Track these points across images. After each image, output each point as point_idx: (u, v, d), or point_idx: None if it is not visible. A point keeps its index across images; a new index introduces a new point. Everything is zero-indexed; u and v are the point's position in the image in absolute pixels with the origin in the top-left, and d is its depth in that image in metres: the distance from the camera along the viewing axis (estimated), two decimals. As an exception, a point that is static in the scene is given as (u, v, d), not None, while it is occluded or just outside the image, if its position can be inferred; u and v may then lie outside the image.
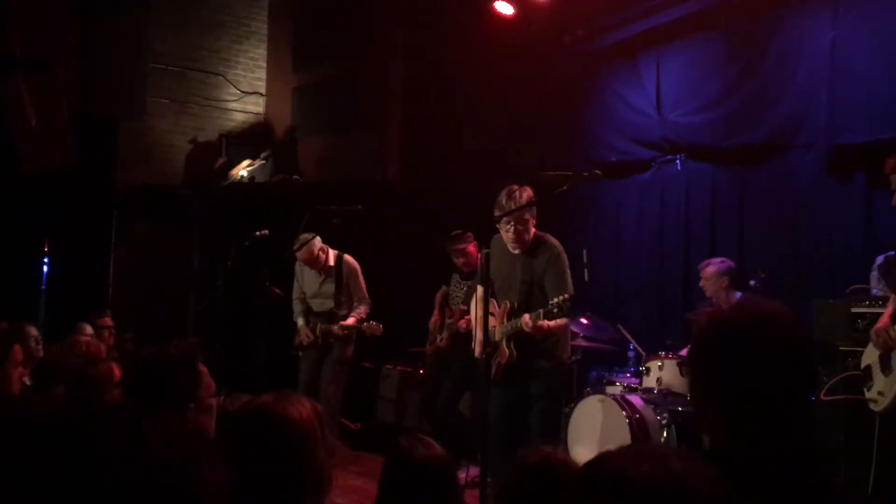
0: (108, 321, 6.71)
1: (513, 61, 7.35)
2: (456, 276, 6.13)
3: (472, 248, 5.91)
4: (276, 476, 1.54)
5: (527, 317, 4.17)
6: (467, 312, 5.63)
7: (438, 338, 6.11)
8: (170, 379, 2.36)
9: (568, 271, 4.36)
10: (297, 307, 6.24)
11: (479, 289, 4.64)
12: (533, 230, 4.43)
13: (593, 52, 7.17)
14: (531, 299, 4.33)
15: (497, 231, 4.45)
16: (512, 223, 4.30)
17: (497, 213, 4.33)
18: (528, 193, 4.31)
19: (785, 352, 1.54)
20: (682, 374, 5.52)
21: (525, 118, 7.45)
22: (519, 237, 4.36)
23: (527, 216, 4.33)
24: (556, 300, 4.06)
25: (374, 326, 5.89)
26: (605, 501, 1.00)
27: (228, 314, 5.76)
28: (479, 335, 4.43)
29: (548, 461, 2.03)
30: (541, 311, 4.10)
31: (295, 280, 6.25)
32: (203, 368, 2.41)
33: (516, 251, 4.43)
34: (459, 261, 5.98)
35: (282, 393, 1.65)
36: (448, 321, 6.02)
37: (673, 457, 1.03)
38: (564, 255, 4.37)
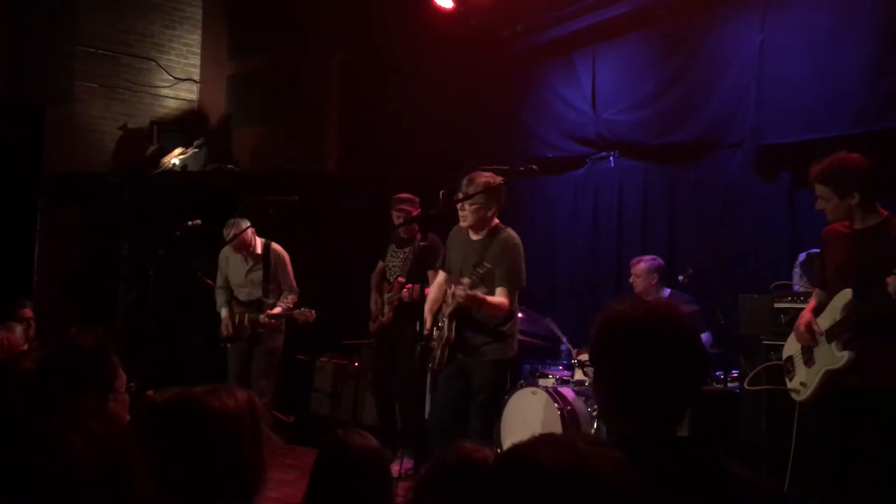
0: (28, 312, 6.49)
1: (452, 55, 7.36)
2: (392, 247, 6.03)
3: (415, 212, 5.85)
4: (206, 469, 1.52)
5: (465, 280, 4.20)
6: (407, 283, 5.61)
7: (381, 315, 6.01)
8: (85, 371, 2.30)
9: (520, 265, 4.35)
10: (220, 297, 6.09)
11: (440, 273, 4.67)
12: (495, 220, 4.44)
13: (531, 49, 7.23)
14: (483, 283, 4.34)
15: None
16: (466, 205, 4.36)
17: (457, 198, 4.37)
18: (485, 178, 4.34)
19: (675, 347, 1.62)
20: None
21: (464, 112, 7.47)
22: (473, 218, 4.37)
23: (483, 199, 4.37)
24: (479, 269, 4.13)
25: (307, 313, 5.81)
26: (515, 489, 1.02)
27: (159, 305, 5.65)
28: (428, 319, 4.49)
29: (467, 457, 2.04)
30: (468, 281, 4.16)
31: (219, 270, 6.13)
32: (115, 359, 2.36)
33: (474, 237, 4.45)
34: (398, 219, 5.86)
35: (215, 384, 1.63)
36: (388, 295, 5.93)
37: (581, 442, 1.05)
38: (520, 249, 4.36)
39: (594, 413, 5.41)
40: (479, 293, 4.21)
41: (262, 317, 5.85)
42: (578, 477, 1.00)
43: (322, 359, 7.18)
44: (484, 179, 4.34)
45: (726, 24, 6.00)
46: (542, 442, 1.07)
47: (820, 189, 3.59)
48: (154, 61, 9.21)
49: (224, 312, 6.05)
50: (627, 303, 1.68)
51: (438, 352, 4.37)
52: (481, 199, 4.39)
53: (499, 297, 4.33)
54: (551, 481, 1.00)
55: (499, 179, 4.36)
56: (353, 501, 2.14)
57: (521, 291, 4.34)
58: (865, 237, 3.57)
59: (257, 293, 5.95)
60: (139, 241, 7.27)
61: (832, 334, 3.58)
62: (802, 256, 4.82)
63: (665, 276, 5.85)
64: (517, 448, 1.09)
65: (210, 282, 6.16)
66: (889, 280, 3.26)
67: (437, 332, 4.42)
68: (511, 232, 4.44)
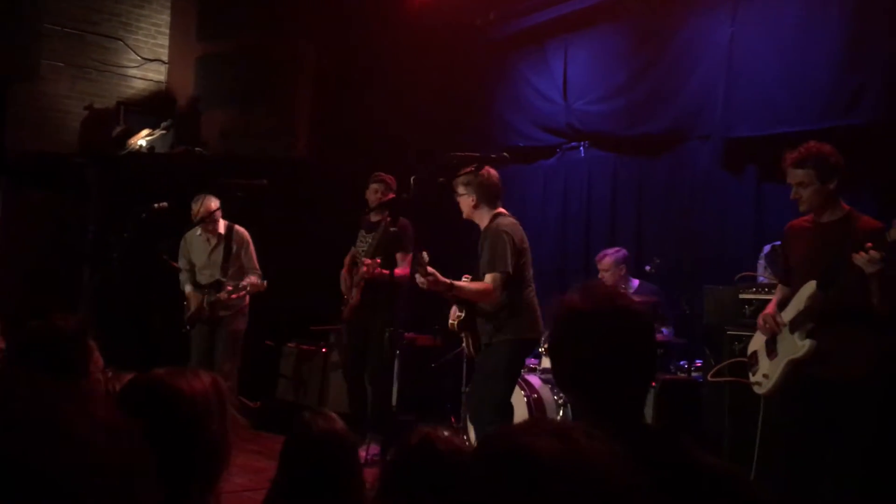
0: None
1: (425, 42, 7.34)
2: (362, 232, 6.00)
3: (390, 194, 5.76)
4: (174, 451, 1.51)
5: (419, 278, 4.23)
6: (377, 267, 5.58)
7: (350, 297, 5.97)
8: (61, 353, 2.27)
9: (500, 251, 4.28)
10: (184, 276, 6.08)
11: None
12: (496, 210, 4.44)
13: (504, 37, 7.23)
14: (480, 276, 4.39)
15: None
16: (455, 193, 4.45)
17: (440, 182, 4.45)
18: (467, 167, 4.36)
19: (628, 338, 1.63)
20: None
21: (437, 100, 7.45)
22: (463, 209, 4.48)
23: (460, 189, 4.40)
24: (421, 255, 4.21)
25: (258, 284, 5.80)
26: (509, 478, 0.97)
27: (124, 288, 5.59)
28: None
29: (428, 440, 2.05)
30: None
31: (181, 255, 6.09)
32: (92, 342, 2.33)
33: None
34: (376, 192, 5.78)
35: (178, 367, 1.62)
36: (356, 277, 5.88)
37: (577, 432, 1.02)
38: (503, 235, 4.30)
39: (560, 401, 5.46)
40: (440, 277, 4.21)
41: (222, 295, 5.80)
42: (575, 471, 0.97)
43: (289, 344, 7.15)
44: (467, 167, 4.36)
45: (697, 17, 6.04)
46: (536, 429, 1.03)
47: (800, 174, 3.58)
48: (121, 41, 9.06)
49: (189, 289, 6.03)
50: (580, 294, 1.68)
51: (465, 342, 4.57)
52: (461, 189, 4.40)
53: (478, 283, 4.35)
54: (546, 473, 0.96)
55: (469, 168, 4.36)
56: (320, 485, 2.14)
57: (507, 277, 4.30)
58: (830, 230, 3.62)
59: (218, 274, 5.92)
60: (105, 222, 7.17)
61: (795, 324, 3.63)
62: (767, 248, 4.88)
63: (631, 265, 5.91)
64: (506, 433, 1.04)
65: (175, 265, 6.11)
66: (857, 257, 3.28)
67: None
68: (501, 220, 4.40)
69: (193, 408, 1.54)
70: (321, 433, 2.20)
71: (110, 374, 2.41)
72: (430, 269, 4.21)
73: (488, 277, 4.30)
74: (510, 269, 4.27)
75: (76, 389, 0.94)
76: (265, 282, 5.79)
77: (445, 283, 4.25)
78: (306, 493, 2.12)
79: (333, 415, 2.33)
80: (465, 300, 4.42)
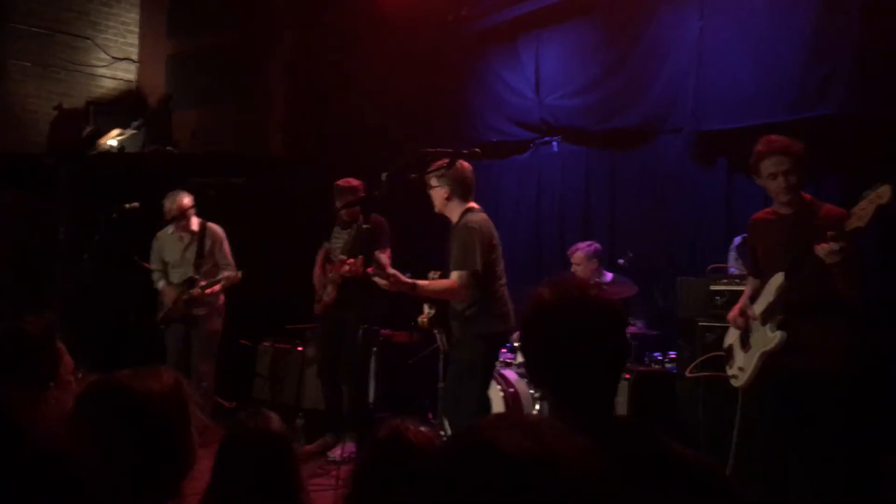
0: None
1: (398, 39, 7.32)
2: (336, 228, 5.96)
3: (356, 197, 5.72)
4: (135, 454, 1.49)
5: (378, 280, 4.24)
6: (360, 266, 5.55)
7: (324, 294, 5.95)
8: (29, 356, 2.24)
9: (469, 249, 4.26)
10: (157, 275, 6.04)
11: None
12: (468, 204, 4.42)
13: (476, 33, 7.22)
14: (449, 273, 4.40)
15: None
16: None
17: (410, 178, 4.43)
18: (441, 161, 4.35)
19: (598, 332, 1.64)
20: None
21: (411, 96, 7.43)
22: (435, 203, 4.46)
23: (433, 181, 4.40)
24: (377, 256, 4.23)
25: (233, 276, 5.77)
26: (476, 473, 0.97)
27: (96, 289, 5.54)
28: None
29: (398, 432, 2.04)
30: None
31: (153, 253, 6.05)
32: (61, 345, 2.30)
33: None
34: (339, 204, 5.69)
35: (140, 367, 1.60)
36: (331, 274, 5.87)
37: (545, 428, 1.01)
38: (472, 232, 4.28)
39: (536, 395, 5.48)
40: (402, 278, 4.21)
41: (195, 290, 5.76)
42: (543, 467, 0.95)
43: (264, 343, 7.10)
44: (438, 161, 4.36)
45: (667, 11, 6.06)
46: (504, 424, 1.02)
47: (782, 161, 3.58)
48: (90, 40, 8.96)
49: (162, 284, 5.99)
50: (548, 289, 1.68)
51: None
52: (434, 182, 4.39)
53: (443, 282, 4.36)
54: (514, 469, 0.95)
55: (442, 163, 4.36)
56: (254, 486, 2.10)
57: (474, 275, 4.28)
58: (794, 220, 3.65)
59: (191, 272, 5.87)
60: (75, 223, 7.09)
61: (766, 316, 3.66)
62: (737, 240, 4.92)
63: (604, 259, 5.93)
64: (474, 429, 1.03)
65: (147, 265, 6.06)
66: (818, 248, 3.29)
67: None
68: (471, 216, 4.38)
69: (153, 410, 1.52)
70: (255, 433, 2.16)
71: (80, 375, 2.38)
72: (390, 269, 4.21)
73: (455, 275, 4.29)
74: (478, 268, 4.25)
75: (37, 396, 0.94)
76: (239, 273, 5.74)
77: (407, 283, 4.24)
78: (240, 494, 2.09)
79: (271, 414, 2.28)
80: (432, 298, 4.42)
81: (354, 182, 5.69)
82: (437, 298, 4.41)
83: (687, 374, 4.75)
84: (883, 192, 3.11)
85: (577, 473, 0.97)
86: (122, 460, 1.50)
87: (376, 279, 4.22)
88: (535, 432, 0.99)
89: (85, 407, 1.57)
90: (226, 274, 5.85)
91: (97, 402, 1.55)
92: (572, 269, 5.86)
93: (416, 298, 4.44)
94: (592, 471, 0.98)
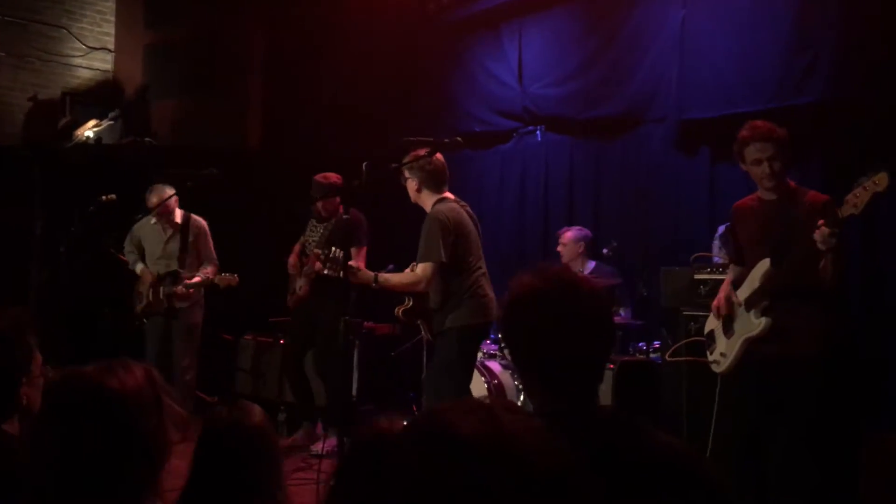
0: None
1: (379, 28, 7.25)
2: (312, 221, 5.90)
3: (334, 191, 5.67)
4: (108, 450, 1.44)
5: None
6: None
7: (297, 286, 5.89)
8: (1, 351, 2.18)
9: (432, 240, 4.21)
10: (131, 257, 5.95)
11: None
12: (441, 194, 4.38)
13: (458, 21, 7.17)
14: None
15: None
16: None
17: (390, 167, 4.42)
18: (419, 151, 4.30)
19: (584, 318, 1.60)
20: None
21: (392, 86, 7.37)
22: (410, 194, 4.43)
23: (406, 173, 4.36)
24: (332, 251, 4.27)
25: (229, 277, 5.69)
26: (430, 457, 0.96)
27: (72, 283, 5.45)
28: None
29: (379, 433, 1.99)
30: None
31: (129, 236, 5.97)
32: (32, 340, 2.23)
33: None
34: (319, 204, 5.71)
35: (110, 361, 1.53)
36: (305, 268, 5.79)
37: (499, 410, 1.00)
38: (436, 223, 4.22)
39: (520, 387, 5.45)
40: (356, 269, 4.28)
41: (178, 287, 5.68)
42: (498, 448, 0.95)
43: (246, 337, 7.04)
44: (415, 152, 4.33)
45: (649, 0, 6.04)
46: (458, 408, 1.01)
47: (766, 147, 3.56)
48: (66, 29, 8.80)
49: (140, 267, 5.89)
50: (533, 275, 1.64)
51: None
52: (406, 173, 4.36)
53: (405, 274, 4.35)
54: (469, 452, 0.94)
55: (421, 152, 4.31)
56: (230, 478, 2.04)
57: (438, 266, 4.23)
58: (778, 207, 3.64)
59: (174, 265, 5.79)
60: (51, 216, 6.98)
61: (750, 303, 3.66)
62: (721, 229, 4.91)
63: (591, 247, 5.91)
64: (431, 414, 1.02)
65: (122, 257, 5.98)
66: (816, 233, 3.25)
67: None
68: (440, 206, 4.32)
69: (124, 404, 1.46)
70: (231, 427, 2.10)
71: (49, 371, 2.32)
72: (350, 262, 4.22)
73: (419, 267, 4.25)
74: (443, 258, 4.18)
75: None
76: (235, 276, 5.69)
77: (368, 275, 4.24)
78: (216, 488, 2.03)
79: (252, 406, 2.21)
80: (396, 291, 4.42)
81: (333, 177, 5.61)
82: (402, 291, 4.39)
83: (667, 357, 4.75)
84: (880, 180, 3.07)
85: (536, 456, 0.96)
86: (92, 457, 1.45)
87: (326, 272, 4.26)
88: (492, 415, 0.98)
89: (52, 403, 1.51)
90: (208, 269, 5.81)
91: (64, 397, 1.49)
92: (557, 249, 5.86)
93: (380, 291, 4.41)
94: (546, 451, 0.97)
